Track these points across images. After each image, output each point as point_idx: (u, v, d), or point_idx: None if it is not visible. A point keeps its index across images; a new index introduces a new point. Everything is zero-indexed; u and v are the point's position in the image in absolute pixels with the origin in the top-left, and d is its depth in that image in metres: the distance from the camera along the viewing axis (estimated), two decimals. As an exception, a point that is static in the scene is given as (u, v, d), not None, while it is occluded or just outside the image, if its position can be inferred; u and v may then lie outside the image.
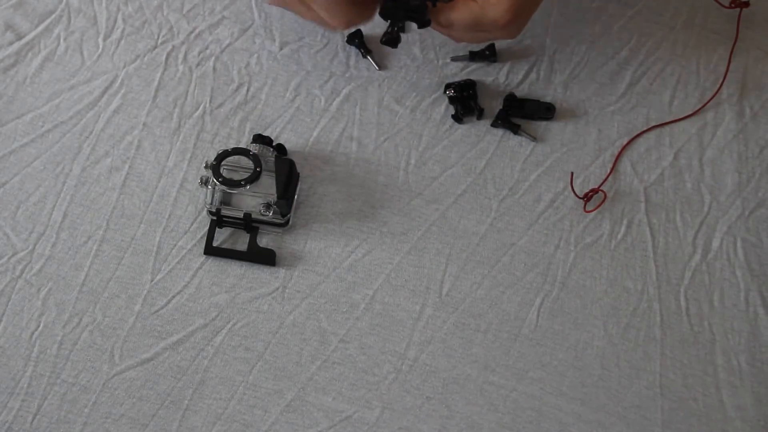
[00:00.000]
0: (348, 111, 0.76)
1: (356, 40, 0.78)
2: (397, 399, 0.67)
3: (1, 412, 0.65)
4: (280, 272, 0.70)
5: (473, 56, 0.78)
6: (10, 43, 0.78)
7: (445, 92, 0.76)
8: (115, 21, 0.80)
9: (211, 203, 0.70)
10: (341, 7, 0.66)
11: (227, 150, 0.70)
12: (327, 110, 0.76)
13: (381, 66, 0.78)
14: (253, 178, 0.69)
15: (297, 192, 0.72)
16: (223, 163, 0.70)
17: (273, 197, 0.69)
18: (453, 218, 0.72)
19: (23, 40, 0.78)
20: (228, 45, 0.79)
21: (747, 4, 0.79)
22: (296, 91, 0.77)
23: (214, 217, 0.70)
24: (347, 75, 0.78)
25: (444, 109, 0.76)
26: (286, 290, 0.70)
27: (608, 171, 0.74)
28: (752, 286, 0.70)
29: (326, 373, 0.67)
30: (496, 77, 0.78)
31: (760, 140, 0.76)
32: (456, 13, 0.67)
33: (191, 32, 0.79)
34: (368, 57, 0.78)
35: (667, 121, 0.76)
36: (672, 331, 0.69)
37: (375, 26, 0.70)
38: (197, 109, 0.76)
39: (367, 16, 0.69)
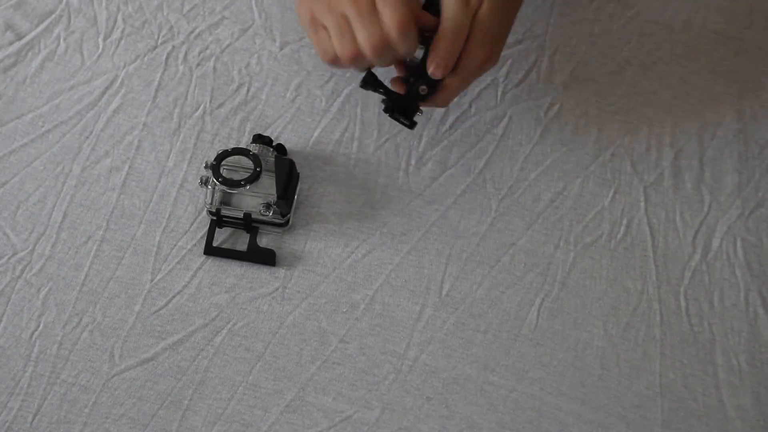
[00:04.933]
0: (349, 111, 0.76)
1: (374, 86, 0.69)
2: (397, 399, 0.67)
3: (1, 412, 0.65)
4: (280, 272, 0.70)
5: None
6: (10, 43, 0.78)
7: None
8: (115, 21, 0.80)
9: (211, 203, 0.70)
10: (413, 29, 0.62)
11: (227, 150, 0.70)
12: (328, 110, 0.76)
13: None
14: (253, 178, 0.69)
15: (297, 192, 0.72)
16: (223, 163, 0.70)
17: (273, 197, 0.69)
18: (453, 218, 0.72)
19: (23, 40, 0.78)
20: (228, 45, 0.79)
21: None
22: (297, 92, 0.77)
23: (214, 217, 0.70)
24: (348, 75, 0.78)
25: (444, 109, 0.76)
26: (286, 290, 0.70)
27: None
28: (752, 286, 0.70)
29: (326, 374, 0.67)
30: (495, 77, 0.78)
31: (760, 140, 0.76)
32: (450, 84, 0.66)
33: (191, 32, 0.79)
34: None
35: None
36: (672, 331, 0.69)
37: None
38: (197, 109, 0.76)
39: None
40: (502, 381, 0.67)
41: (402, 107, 0.67)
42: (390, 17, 0.61)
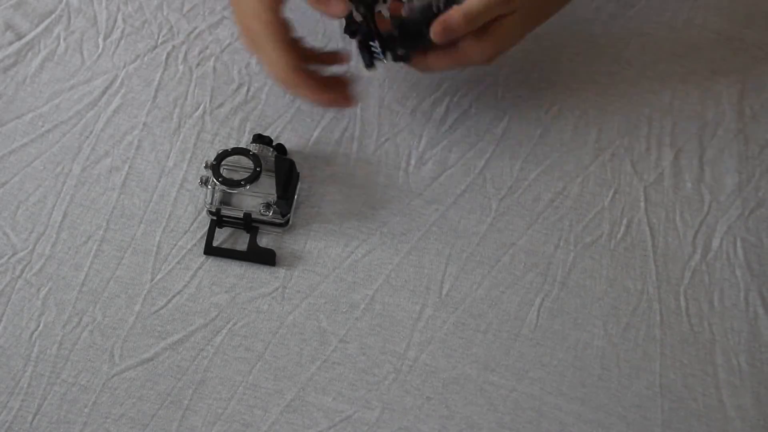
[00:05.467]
0: (349, 111, 0.76)
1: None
2: (397, 399, 0.67)
3: (1, 412, 0.65)
4: (280, 272, 0.70)
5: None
6: (10, 43, 0.78)
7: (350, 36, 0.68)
8: (115, 21, 0.80)
9: (211, 203, 0.70)
10: (286, 51, 0.65)
11: (227, 150, 0.70)
12: (328, 110, 0.76)
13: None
14: (253, 178, 0.69)
15: (297, 192, 0.72)
16: (223, 163, 0.70)
17: (273, 197, 0.69)
18: (453, 218, 0.72)
19: (23, 40, 0.79)
20: (228, 45, 0.79)
21: None
22: (296, 91, 0.77)
23: (214, 217, 0.70)
24: (348, 75, 0.78)
25: (444, 109, 0.76)
26: (286, 290, 0.70)
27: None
28: (752, 286, 0.70)
29: (326, 374, 0.67)
30: (495, 77, 0.78)
31: (760, 140, 0.76)
32: (434, 60, 0.68)
33: (191, 32, 0.79)
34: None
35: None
36: (672, 331, 0.69)
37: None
38: (197, 109, 0.76)
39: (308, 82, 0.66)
40: (502, 381, 0.67)
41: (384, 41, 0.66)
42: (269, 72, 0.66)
